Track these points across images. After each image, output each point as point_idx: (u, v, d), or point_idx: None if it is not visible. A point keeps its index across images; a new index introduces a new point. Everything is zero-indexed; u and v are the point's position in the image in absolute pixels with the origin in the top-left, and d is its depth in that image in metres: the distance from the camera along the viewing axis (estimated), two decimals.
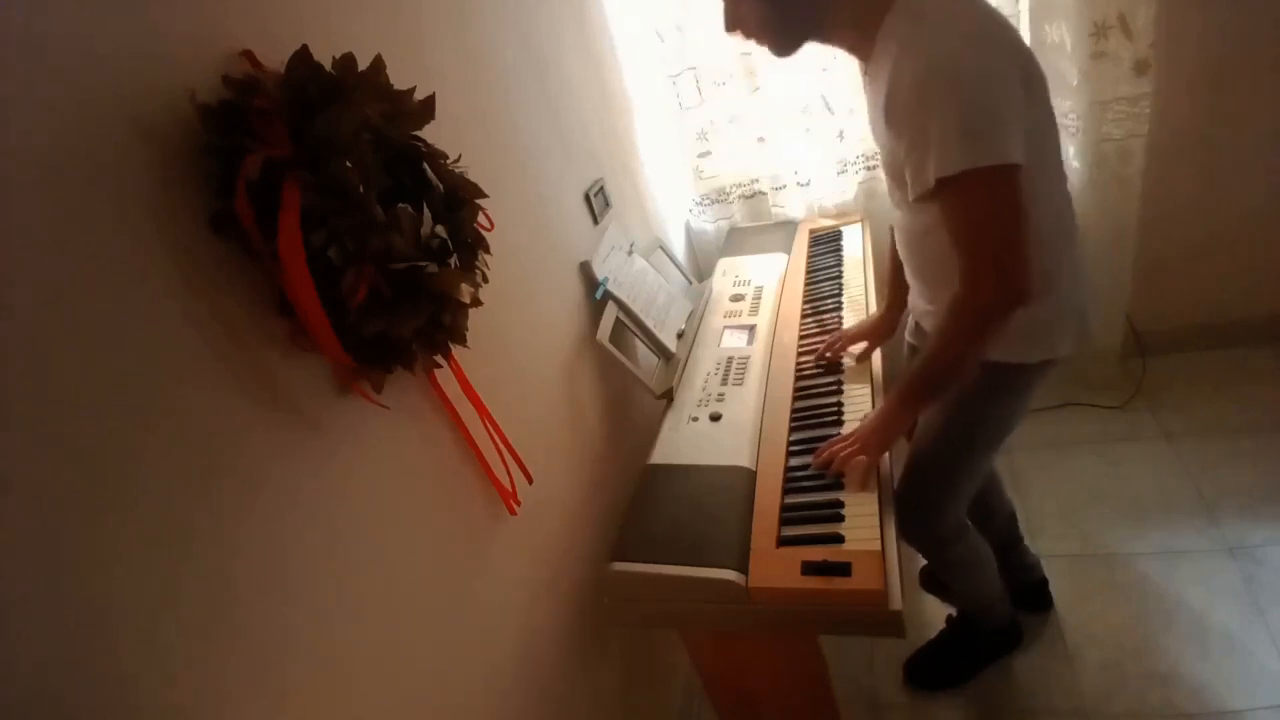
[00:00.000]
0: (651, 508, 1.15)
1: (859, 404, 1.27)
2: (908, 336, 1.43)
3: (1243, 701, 1.37)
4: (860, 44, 1.00)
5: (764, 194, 2.08)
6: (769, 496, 1.12)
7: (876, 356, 1.39)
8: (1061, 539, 1.76)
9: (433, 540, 0.87)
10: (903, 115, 0.92)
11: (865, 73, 1.05)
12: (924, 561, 1.79)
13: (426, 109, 0.76)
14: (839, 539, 1.01)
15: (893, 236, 1.38)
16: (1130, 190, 1.82)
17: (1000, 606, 1.50)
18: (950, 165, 0.87)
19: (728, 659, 1.24)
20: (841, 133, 1.91)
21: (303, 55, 0.65)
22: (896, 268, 1.38)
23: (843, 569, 0.96)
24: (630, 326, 1.43)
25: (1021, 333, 1.01)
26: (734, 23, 1.07)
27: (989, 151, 0.86)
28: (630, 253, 1.54)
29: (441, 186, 0.77)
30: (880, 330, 1.39)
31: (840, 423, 1.25)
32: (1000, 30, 0.91)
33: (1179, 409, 2.00)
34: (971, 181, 0.87)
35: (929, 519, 1.27)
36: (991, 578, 1.44)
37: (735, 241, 2.01)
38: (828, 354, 1.40)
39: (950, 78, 0.86)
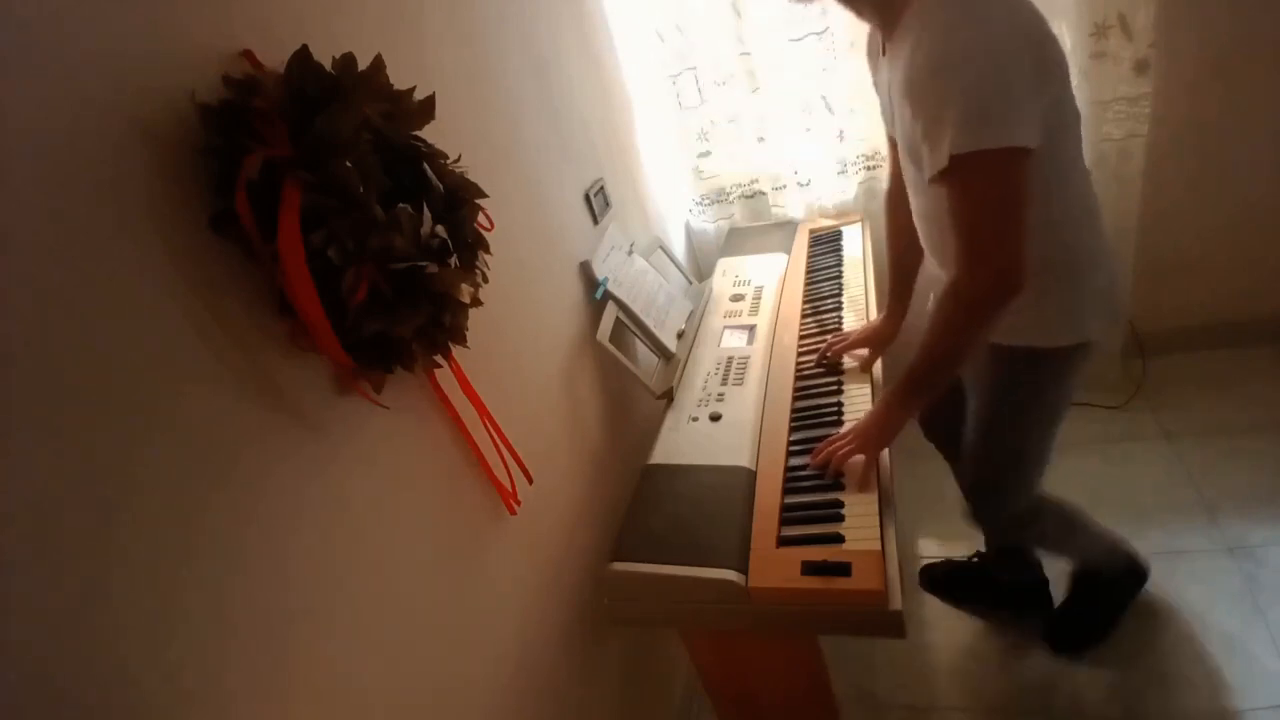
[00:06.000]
0: (651, 508, 1.15)
1: (859, 404, 1.27)
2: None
3: (1243, 701, 1.37)
4: (886, 20, 1.00)
5: (764, 194, 2.07)
6: (769, 496, 1.12)
7: None
8: None
9: (433, 540, 0.87)
10: (920, 94, 0.93)
11: (884, 52, 1.05)
12: (924, 561, 1.80)
13: (426, 109, 0.76)
14: (839, 539, 1.01)
15: (891, 242, 1.38)
16: (1130, 190, 1.82)
17: (1113, 552, 1.50)
18: (964, 145, 0.87)
19: (728, 659, 1.24)
20: (841, 133, 1.91)
21: (303, 55, 0.64)
22: (898, 274, 1.38)
23: (843, 569, 0.96)
24: (630, 326, 1.43)
25: (1045, 317, 1.04)
26: None
27: (1001, 134, 0.86)
28: (630, 253, 1.54)
29: (441, 186, 0.77)
30: (883, 336, 1.39)
31: (840, 423, 1.24)
32: (1019, 16, 0.91)
33: (1179, 409, 2.00)
34: (982, 162, 0.87)
35: (998, 508, 1.31)
36: (1092, 534, 1.45)
37: (735, 241, 2.01)
38: (829, 354, 1.40)
39: (967, 61, 0.87)
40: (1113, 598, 1.55)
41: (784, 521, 1.07)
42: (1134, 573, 1.55)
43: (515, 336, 1.11)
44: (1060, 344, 1.11)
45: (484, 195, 0.83)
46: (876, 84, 1.18)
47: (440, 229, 0.74)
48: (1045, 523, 1.38)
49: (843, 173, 1.97)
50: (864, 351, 1.38)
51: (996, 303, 0.96)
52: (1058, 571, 1.64)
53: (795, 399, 1.33)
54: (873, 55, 1.16)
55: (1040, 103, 0.90)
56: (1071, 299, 1.07)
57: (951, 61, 0.88)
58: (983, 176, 0.89)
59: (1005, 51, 0.88)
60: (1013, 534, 1.40)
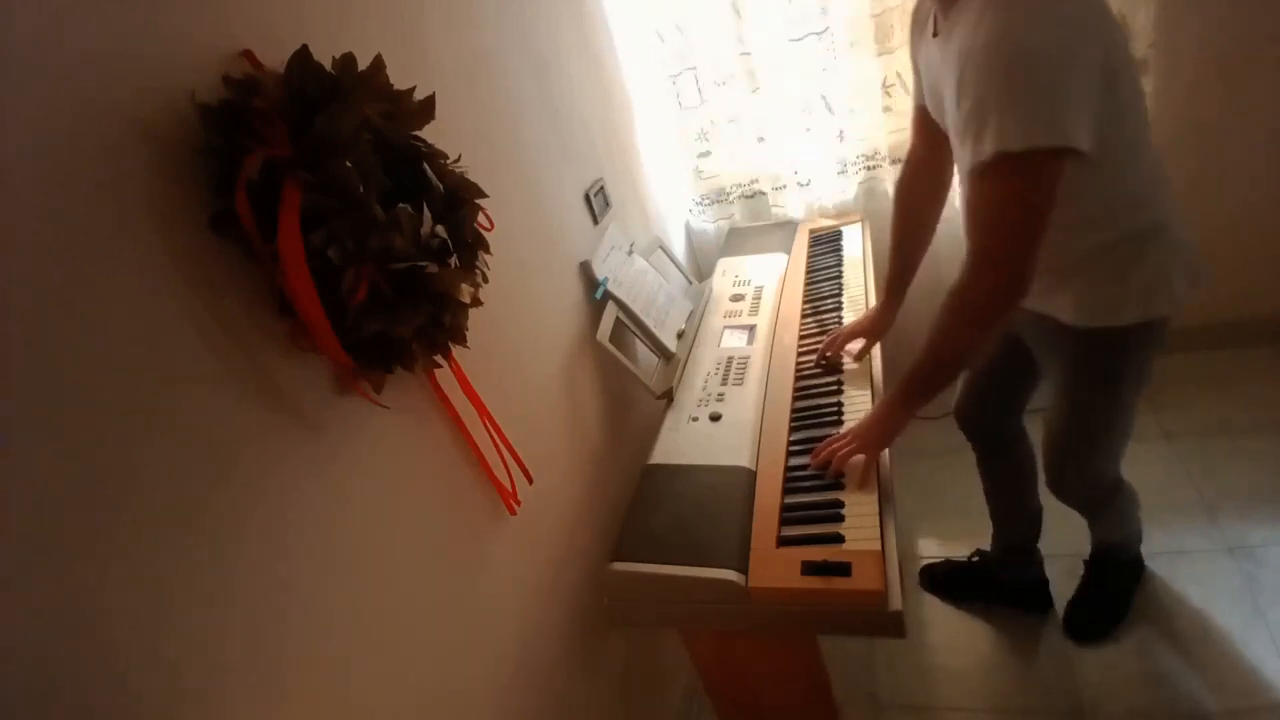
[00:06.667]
0: (651, 508, 1.15)
1: (859, 404, 1.27)
2: None
3: (1243, 701, 1.37)
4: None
5: (764, 194, 2.07)
6: (769, 496, 1.12)
7: (876, 353, 1.38)
8: (1062, 539, 1.76)
9: (433, 540, 0.87)
10: (974, 74, 0.87)
11: (936, 32, 1.01)
12: (924, 561, 1.80)
13: (426, 109, 0.76)
14: (839, 539, 1.01)
15: (899, 228, 1.38)
16: None
17: (1138, 531, 1.54)
18: (1013, 141, 0.83)
19: (728, 659, 1.24)
20: (841, 133, 1.90)
21: (303, 55, 0.65)
22: (901, 261, 1.38)
23: (843, 569, 0.96)
24: (630, 326, 1.43)
25: (1132, 292, 1.03)
26: None
27: (1057, 132, 0.83)
28: (630, 253, 1.54)
29: (441, 186, 0.77)
30: (879, 325, 1.38)
31: (840, 423, 1.24)
32: (1089, 12, 0.88)
33: (1179, 409, 2.00)
34: (1029, 162, 0.84)
35: (1092, 484, 1.34)
36: (1139, 513, 1.49)
37: (735, 241, 2.01)
38: (827, 354, 1.40)
39: (1027, 53, 0.83)
40: (1124, 579, 1.59)
41: (784, 521, 1.07)
42: (1139, 557, 1.61)
43: (515, 336, 1.11)
44: (1149, 318, 1.08)
45: (484, 195, 0.83)
46: (918, 62, 1.15)
47: (440, 229, 0.74)
48: (1121, 496, 1.40)
49: (843, 173, 1.97)
50: (860, 342, 1.38)
51: (1002, 307, 0.95)
52: (1059, 570, 1.64)
53: (795, 399, 1.33)
54: (918, 31, 1.12)
55: (1102, 97, 0.85)
56: (1154, 271, 1.05)
57: (1013, 51, 0.83)
58: (1024, 177, 0.85)
59: (1074, 38, 0.83)
60: (1097, 508, 1.42)
